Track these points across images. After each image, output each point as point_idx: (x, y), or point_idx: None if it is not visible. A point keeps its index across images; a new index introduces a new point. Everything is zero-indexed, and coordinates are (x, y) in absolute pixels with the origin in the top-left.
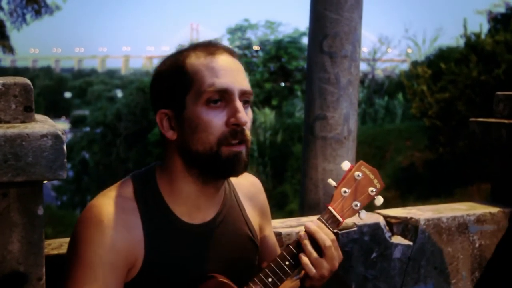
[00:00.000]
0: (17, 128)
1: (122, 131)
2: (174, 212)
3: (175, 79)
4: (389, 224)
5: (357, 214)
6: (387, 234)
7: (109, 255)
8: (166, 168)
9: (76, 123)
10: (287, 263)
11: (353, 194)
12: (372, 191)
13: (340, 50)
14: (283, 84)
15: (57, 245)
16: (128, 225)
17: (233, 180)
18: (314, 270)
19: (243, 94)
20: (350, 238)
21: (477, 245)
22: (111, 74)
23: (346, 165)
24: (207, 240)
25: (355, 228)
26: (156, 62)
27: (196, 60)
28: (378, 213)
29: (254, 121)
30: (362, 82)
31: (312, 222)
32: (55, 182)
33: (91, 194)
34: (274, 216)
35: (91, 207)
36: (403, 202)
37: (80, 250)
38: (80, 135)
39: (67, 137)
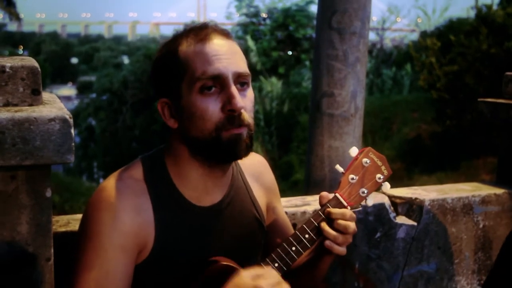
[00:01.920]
0: (25, 112)
1: (129, 98)
2: (183, 195)
3: (170, 67)
4: (393, 204)
5: (364, 201)
6: (392, 215)
7: (120, 237)
8: (173, 153)
9: (83, 89)
10: (307, 236)
11: (361, 181)
12: (379, 178)
13: (349, 26)
14: (290, 53)
15: (65, 222)
16: (139, 208)
17: (239, 160)
18: (342, 250)
19: (238, 77)
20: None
21: (481, 226)
22: (118, 40)
23: (354, 151)
24: (216, 222)
25: (360, 208)
26: (162, 29)
27: (187, 48)
28: (383, 193)
29: (260, 90)
30: (370, 52)
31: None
32: None
33: (97, 160)
34: (279, 186)
35: (102, 189)
36: (408, 174)
37: (91, 232)
38: (87, 101)
39: (73, 103)
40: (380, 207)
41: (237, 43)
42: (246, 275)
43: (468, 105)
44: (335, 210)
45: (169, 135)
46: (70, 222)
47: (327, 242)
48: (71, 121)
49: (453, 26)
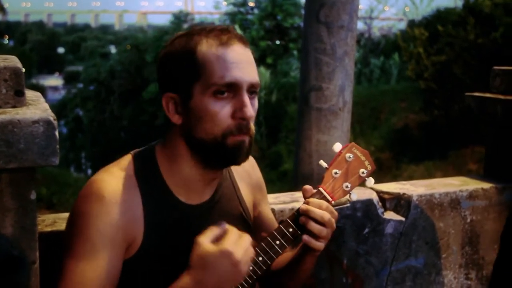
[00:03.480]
0: (8, 114)
1: (116, 88)
2: (173, 192)
3: (185, 65)
4: (382, 199)
5: (348, 195)
6: (380, 210)
7: (109, 230)
8: (168, 148)
9: (70, 79)
10: (290, 230)
11: (344, 176)
12: (363, 173)
13: (337, 20)
14: (278, 42)
15: (51, 222)
16: (129, 202)
17: None
18: (320, 244)
19: (251, 86)
20: (343, 214)
21: (468, 220)
22: (105, 29)
23: (337, 146)
24: (204, 220)
25: (348, 204)
26: (150, 18)
27: (208, 49)
28: (372, 188)
29: None
30: (358, 41)
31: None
32: None
33: (85, 151)
34: (268, 176)
35: (93, 183)
36: (396, 163)
37: (80, 225)
38: (74, 92)
39: (60, 93)
40: (368, 203)
41: (252, 52)
42: (205, 241)
43: (455, 95)
44: (312, 200)
45: (169, 130)
46: (56, 221)
47: (305, 236)
48: (55, 123)
49: (441, 16)
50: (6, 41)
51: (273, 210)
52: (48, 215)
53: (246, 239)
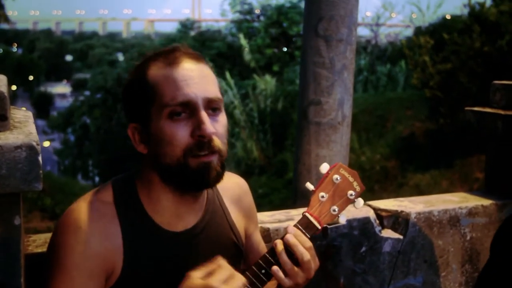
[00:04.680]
0: None
1: None
2: (154, 220)
3: (139, 92)
4: (379, 217)
5: (336, 218)
6: (377, 228)
7: (87, 262)
8: (144, 178)
9: (77, 86)
10: (263, 271)
11: (331, 199)
12: (351, 195)
13: (335, 33)
14: (285, 49)
15: (42, 242)
16: (107, 232)
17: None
18: (287, 281)
19: (209, 102)
20: (339, 232)
21: (468, 237)
22: (113, 37)
23: (324, 167)
24: (189, 247)
25: (345, 223)
26: (157, 26)
27: (156, 71)
28: (369, 205)
29: (254, 88)
30: (364, 48)
31: (290, 233)
32: (57, 146)
33: (92, 158)
34: (274, 184)
35: (70, 213)
36: (402, 172)
37: (58, 257)
38: (81, 99)
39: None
40: (365, 221)
41: (208, 66)
42: (196, 275)
43: (461, 104)
44: (298, 233)
45: (141, 161)
46: (47, 241)
47: (274, 268)
48: (38, 148)
49: (446, 24)
50: (14, 49)
51: (267, 230)
52: (40, 235)
53: (238, 280)
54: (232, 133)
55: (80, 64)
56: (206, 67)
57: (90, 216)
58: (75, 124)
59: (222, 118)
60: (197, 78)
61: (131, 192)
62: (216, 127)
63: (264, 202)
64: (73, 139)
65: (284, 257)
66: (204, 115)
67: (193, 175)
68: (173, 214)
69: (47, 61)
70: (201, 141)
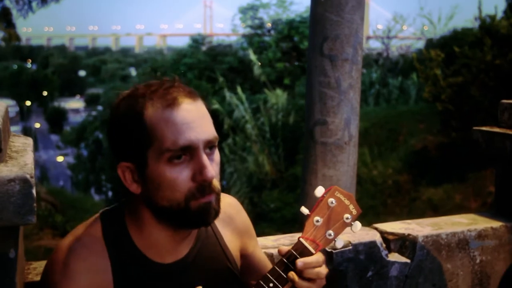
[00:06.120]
0: None
1: None
2: (143, 253)
3: (134, 132)
4: (385, 240)
5: (333, 243)
6: (384, 252)
7: None
8: (134, 215)
9: (90, 101)
10: (271, 285)
11: (326, 223)
12: (347, 218)
13: (340, 53)
14: (296, 63)
15: (42, 270)
16: (96, 268)
17: None
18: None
19: (208, 143)
20: (344, 257)
21: (477, 261)
22: (125, 52)
23: (319, 191)
24: (182, 277)
25: (350, 247)
26: (169, 40)
27: (154, 113)
28: (376, 228)
29: (265, 102)
30: (376, 61)
31: (300, 260)
32: (71, 161)
33: (105, 173)
34: (285, 199)
35: (59, 250)
36: (414, 186)
37: None
38: (94, 114)
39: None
40: (371, 245)
41: (202, 101)
42: None
43: (473, 117)
44: (307, 260)
45: (131, 198)
46: None
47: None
48: (32, 180)
49: (457, 37)
50: (29, 65)
51: (271, 255)
52: (40, 262)
53: None
54: (244, 148)
55: (93, 79)
56: (201, 104)
57: (77, 253)
58: (88, 139)
59: (217, 156)
60: (197, 120)
61: (120, 225)
62: (213, 167)
63: (276, 216)
64: (86, 154)
65: (304, 284)
66: (205, 159)
67: (194, 217)
68: (164, 247)
69: (60, 77)
70: (202, 185)
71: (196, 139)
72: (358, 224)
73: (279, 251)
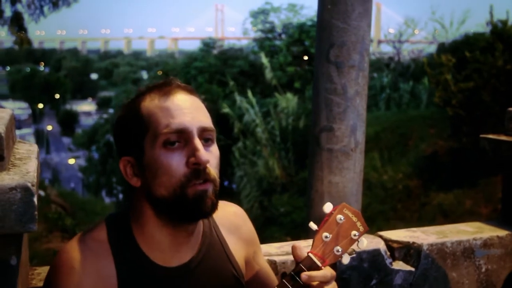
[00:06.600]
0: None
1: None
2: (148, 257)
3: (132, 124)
4: (390, 248)
5: (340, 258)
6: (388, 261)
7: None
8: (137, 214)
9: (102, 104)
10: (292, 283)
11: (335, 239)
12: (355, 235)
13: (347, 60)
14: (307, 67)
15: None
16: (101, 271)
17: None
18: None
19: (203, 132)
20: (348, 265)
21: (483, 269)
22: (137, 55)
23: (328, 207)
24: (186, 282)
25: (354, 255)
26: (181, 44)
27: (150, 103)
28: (380, 236)
29: (276, 106)
30: (387, 65)
31: (306, 273)
32: (82, 163)
33: (116, 176)
34: (296, 203)
35: (63, 252)
36: (425, 191)
37: None
38: (105, 117)
39: (93, 118)
40: (375, 253)
41: (200, 99)
42: None
43: (484, 122)
44: (312, 273)
45: (133, 195)
46: None
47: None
48: (33, 189)
49: (469, 42)
50: (41, 68)
51: (274, 262)
52: (44, 268)
53: None
54: (254, 151)
55: (105, 82)
56: (199, 100)
57: (83, 255)
58: (99, 142)
59: (215, 149)
60: (191, 108)
61: (125, 229)
62: (210, 157)
63: (286, 220)
64: (97, 156)
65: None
66: (198, 142)
67: (190, 205)
68: (168, 249)
69: (73, 80)
70: (197, 169)
71: (189, 123)
72: (364, 241)
73: (293, 249)
